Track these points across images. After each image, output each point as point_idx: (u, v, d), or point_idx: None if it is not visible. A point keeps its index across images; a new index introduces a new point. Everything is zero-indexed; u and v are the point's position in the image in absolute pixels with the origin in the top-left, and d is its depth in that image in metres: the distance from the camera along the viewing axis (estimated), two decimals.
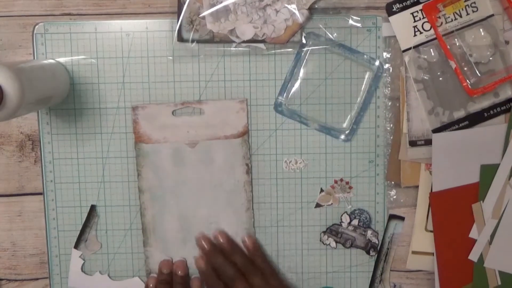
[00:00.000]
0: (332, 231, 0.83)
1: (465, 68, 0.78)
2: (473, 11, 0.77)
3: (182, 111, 0.81)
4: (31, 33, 0.80)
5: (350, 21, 0.79)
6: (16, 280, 0.85)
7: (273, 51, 0.80)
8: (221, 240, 0.80)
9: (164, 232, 0.82)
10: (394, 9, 0.78)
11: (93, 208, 0.82)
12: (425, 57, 0.78)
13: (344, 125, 0.82)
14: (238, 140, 0.81)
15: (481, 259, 0.79)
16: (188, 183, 0.81)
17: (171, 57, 0.80)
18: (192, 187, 0.81)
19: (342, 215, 0.83)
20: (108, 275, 0.84)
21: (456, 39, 0.77)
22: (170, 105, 0.80)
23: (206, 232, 0.82)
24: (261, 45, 0.79)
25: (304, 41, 0.79)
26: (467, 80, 0.77)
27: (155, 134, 0.80)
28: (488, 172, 0.78)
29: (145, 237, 0.82)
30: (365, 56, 0.80)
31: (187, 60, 0.80)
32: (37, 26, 0.80)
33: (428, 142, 0.79)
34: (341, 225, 0.83)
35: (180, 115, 0.81)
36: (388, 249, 0.83)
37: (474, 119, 0.79)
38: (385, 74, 0.80)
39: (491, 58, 0.77)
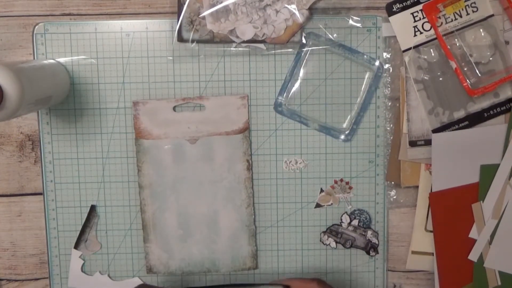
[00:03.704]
0: (332, 231, 0.83)
1: (465, 68, 0.78)
2: (473, 11, 0.77)
3: (183, 107, 0.81)
4: (31, 33, 0.80)
5: (350, 21, 0.79)
6: (16, 280, 0.85)
7: (273, 51, 0.80)
8: None
9: (164, 229, 0.82)
10: (394, 9, 0.78)
11: (93, 208, 0.82)
12: (425, 57, 0.78)
13: (344, 125, 0.82)
14: (239, 136, 0.81)
15: (481, 259, 0.79)
16: (188, 179, 0.81)
17: (171, 57, 0.80)
18: (192, 183, 0.81)
19: (342, 215, 0.83)
20: (108, 275, 0.84)
21: (456, 39, 0.77)
22: (171, 101, 0.80)
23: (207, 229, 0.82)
24: (261, 45, 0.79)
25: (304, 41, 0.79)
26: (467, 80, 0.77)
27: (155, 130, 0.80)
28: (488, 172, 0.78)
29: (145, 233, 0.82)
30: (365, 56, 0.80)
31: (187, 60, 0.80)
32: (37, 26, 0.80)
33: (428, 142, 0.79)
34: (341, 225, 0.83)
35: (181, 110, 0.81)
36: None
37: (474, 119, 0.79)
38: (385, 74, 0.80)
39: (491, 58, 0.77)
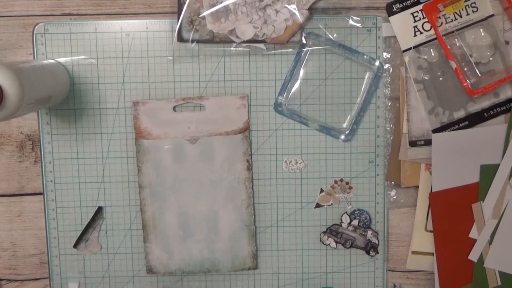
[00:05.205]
0: (332, 231, 0.83)
1: (465, 68, 0.78)
2: (473, 11, 0.77)
3: (183, 107, 0.81)
4: (31, 33, 0.80)
5: (350, 21, 0.79)
6: (16, 280, 0.85)
7: (273, 51, 0.80)
8: None
9: (164, 228, 0.82)
10: (394, 9, 0.78)
11: (99, 209, 0.82)
12: (425, 57, 0.78)
13: (344, 125, 0.82)
14: (239, 136, 0.81)
15: (481, 259, 0.79)
16: (188, 179, 0.81)
17: (171, 57, 0.80)
18: (192, 183, 0.81)
19: (342, 215, 0.83)
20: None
21: (456, 39, 0.77)
22: (171, 101, 0.80)
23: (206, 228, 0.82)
24: (261, 45, 0.79)
25: (304, 41, 0.79)
26: (468, 80, 0.77)
27: (155, 130, 0.80)
28: (488, 172, 0.78)
29: (145, 233, 0.82)
30: (365, 56, 0.80)
31: (187, 60, 0.80)
32: (37, 26, 0.80)
33: (428, 142, 0.79)
34: (341, 225, 0.83)
35: (181, 110, 0.81)
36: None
37: (474, 119, 0.79)
38: (385, 74, 0.80)
39: (491, 58, 0.77)
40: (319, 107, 0.81)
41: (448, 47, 0.77)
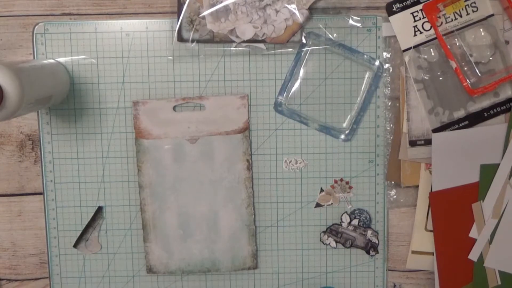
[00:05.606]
0: (332, 231, 0.83)
1: (465, 68, 0.78)
2: (473, 11, 0.77)
3: (183, 107, 0.81)
4: (31, 33, 0.80)
5: (350, 21, 0.79)
6: (16, 280, 0.85)
7: (273, 51, 0.80)
8: None
9: (164, 228, 0.82)
10: (394, 9, 0.78)
11: (99, 209, 0.82)
12: (425, 57, 0.78)
13: (344, 125, 0.82)
14: (239, 136, 0.81)
15: (481, 259, 0.79)
16: (188, 179, 0.81)
17: (171, 57, 0.80)
18: (192, 183, 0.81)
19: (342, 215, 0.83)
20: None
21: (456, 39, 0.77)
22: (171, 101, 0.80)
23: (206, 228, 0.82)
24: (261, 45, 0.79)
25: (304, 41, 0.79)
26: (467, 80, 0.77)
27: (155, 130, 0.80)
28: (488, 172, 0.78)
29: (145, 233, 0.82)
30: (365, 56, 0.80)
31: (187, 60, 0.80)
32: (37, 26, 0.80)
33: (428, 142, 0.79)
34: (341, 225, 0.83)
35: (181, 110, 0.81)
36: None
37: (474, 119, 0.79)
38: (385, 74, 0.80)
39: (491, 58, 0.77)
40: (319, 107, 0.81)
41: (448, 46, 0.77)
